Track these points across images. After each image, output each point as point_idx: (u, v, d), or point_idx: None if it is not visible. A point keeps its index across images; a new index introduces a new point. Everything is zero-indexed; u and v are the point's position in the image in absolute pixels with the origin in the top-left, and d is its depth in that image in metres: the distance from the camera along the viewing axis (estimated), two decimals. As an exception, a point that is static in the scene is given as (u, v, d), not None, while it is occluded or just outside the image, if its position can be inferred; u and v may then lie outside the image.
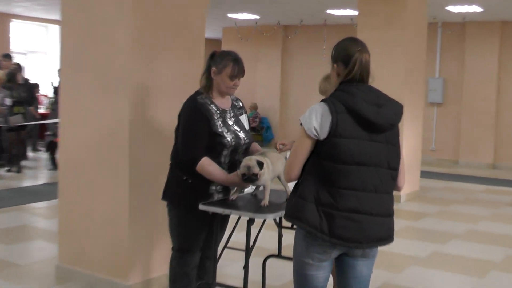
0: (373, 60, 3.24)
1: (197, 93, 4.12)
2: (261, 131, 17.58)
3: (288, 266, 5.67)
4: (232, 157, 4.12)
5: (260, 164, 3.87)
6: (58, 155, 5.50)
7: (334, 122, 3.04)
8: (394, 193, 3.29)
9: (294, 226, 3.35)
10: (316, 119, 3.08)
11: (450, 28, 15.06)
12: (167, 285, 4.51)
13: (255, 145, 4.34)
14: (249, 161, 3.87)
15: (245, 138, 4.18)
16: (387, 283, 5.84)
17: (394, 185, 3.24)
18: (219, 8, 14.23)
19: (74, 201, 5.43)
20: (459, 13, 13.46)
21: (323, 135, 3.07)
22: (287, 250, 5.36)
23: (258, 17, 15.74)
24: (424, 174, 12.35)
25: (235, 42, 17.94)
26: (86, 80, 5.27)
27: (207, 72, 4.11)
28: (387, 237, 3.20)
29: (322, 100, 3.15)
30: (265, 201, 3.95)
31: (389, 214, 3.21)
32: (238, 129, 4.16)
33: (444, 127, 15.49)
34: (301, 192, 3.15)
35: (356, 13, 13.57)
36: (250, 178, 3.87)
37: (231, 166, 4.11)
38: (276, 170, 4.06)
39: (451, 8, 12.80)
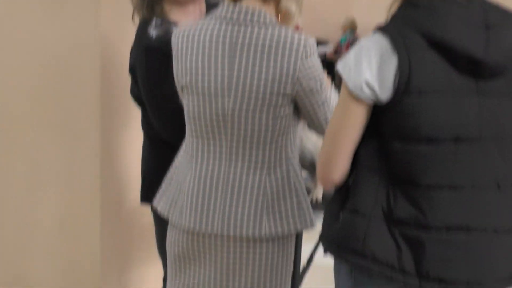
0: None
1: None
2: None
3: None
4: None
5: None
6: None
7: (405, 67, 1.58)
8: None
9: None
10: (369, 66, 1.62)
11: None
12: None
13: None
14: None
15: None
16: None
17: None
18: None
19: (7, 203, 3.85)
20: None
21: (385, 93, 1.61)
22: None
23: None
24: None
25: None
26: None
27: None
28: None
29: (379, 29, 1.65)
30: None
31: None
32: None
33: None
34: (355, 202, 1.70)
35: None
36: None
37: None
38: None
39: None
